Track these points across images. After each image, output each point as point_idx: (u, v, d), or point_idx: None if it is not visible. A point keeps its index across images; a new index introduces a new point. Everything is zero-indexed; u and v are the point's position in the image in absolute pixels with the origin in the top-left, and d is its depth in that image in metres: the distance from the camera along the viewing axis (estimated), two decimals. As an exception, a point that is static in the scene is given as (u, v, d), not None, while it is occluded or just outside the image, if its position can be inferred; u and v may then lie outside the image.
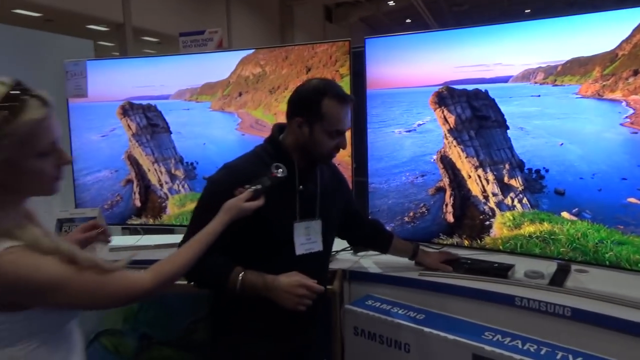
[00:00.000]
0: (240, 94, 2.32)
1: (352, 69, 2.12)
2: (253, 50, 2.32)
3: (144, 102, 2.46)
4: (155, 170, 2.48)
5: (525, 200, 1.84)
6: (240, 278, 1.43)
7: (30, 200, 1.06)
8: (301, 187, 1.48)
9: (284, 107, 2.19)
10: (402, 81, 2.06)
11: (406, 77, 2.04)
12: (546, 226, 1.80)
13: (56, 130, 1.00)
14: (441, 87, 1.96)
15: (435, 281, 1.88)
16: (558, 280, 1.80)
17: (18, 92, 0.95)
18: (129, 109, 2.48)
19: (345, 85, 2.15)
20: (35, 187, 1.01)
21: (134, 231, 2.71)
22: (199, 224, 1.48)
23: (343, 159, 2.19)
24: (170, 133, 2.46)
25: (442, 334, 1.64)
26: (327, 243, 1.63)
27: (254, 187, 1.39)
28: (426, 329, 1.67)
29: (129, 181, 2.53)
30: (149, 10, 13.92)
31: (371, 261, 2.13)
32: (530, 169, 1.82)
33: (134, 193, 2.53)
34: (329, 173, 1.66)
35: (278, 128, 1.57)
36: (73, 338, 1.12)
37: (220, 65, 2.38)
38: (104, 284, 1.01)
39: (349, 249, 2.24)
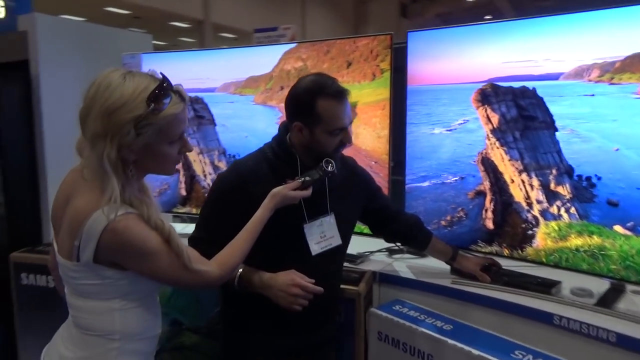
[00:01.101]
0: (282, 88, 2.32)
1: (392, 63, 2.03)
2: (295, 44, 2.31)
3: (192, 95, 2.53)
4: (200, 161, 2.55)
5: (573, 209, 1.67)
6: (238, 274, 1.43)
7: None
8: (306, 178, 1.43)
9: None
10: (444, 77, 1.94)
11: (449, 73, 1.92)
12: (596, 240, 1.63)
13: (185, 122, 1.16)
14: (485, 84, 1.82)
15: (468, 291, 1.76)
16: (608, 300, 1.62)
17: (166, 87, 1.09)
18: (178, 100, 2.56)
19: (385, 80, 2.07)
20: (160, 167, 1.19)
21: (179, 219, 2.80)
22: (205, 218, 1.54)
23: (380, 157, 2.12)
24: (215, 125, 2.51)
25: (466, 347, 1.53)
26: (342, 238, 1.58)
27: (302, 178, 1.41)
28: (450, 341, 1.57)
29: (176, 170, 2.61)
30: (228, 8, 14.45)
31: (405, 265, 2.04)
32: (580, 176, 1.65)
33: (180, 182, 2.61)
34: (341, 166, 1.60)
35: (285, 126, 1.54)
36: (158, 305, 1.30)
37: (264, 59, 2.38)
38: (182, 269, 1.15)
39: (384, 250, 2.17)
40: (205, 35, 14.40)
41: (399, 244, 2.04)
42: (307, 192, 1.43)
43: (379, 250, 2.16)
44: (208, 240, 1.42)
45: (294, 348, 1.57)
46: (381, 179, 2.11)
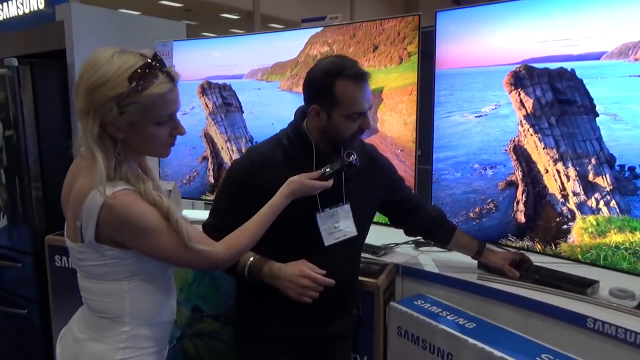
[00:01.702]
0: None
1: (420, 46, 1.93)
2: (321, 28, 2.24)
3: (220, 82, 2.52)
4: (228, 148, 2.54)
5: (613, 203, 1.52)
6: (248, 264, 1.39)
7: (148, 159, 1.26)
8: (326, 169, 1.38)
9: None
10: (474, 60, 1.81)
11: (480, 55, 1.79)
12: (639, 236, 1.47)
13: (175, 104, 1.13)
14: (519, 65, 1.68)
15: (494, 287, 1.65)
16: (651, 304, 1.47)
17: (153, 66, 1.06)
18: (207, 88, 2.56)
19: (412, 64, 1.97)
20: (150, 148, 1.17)
21: (209, 207, 2.81)
22: (217, 205, 1.52)
23: (407, 145, 2.02)
24: (242, 112, 2.49)
25: (488, 348, 1.43)
26: (358, 229, 1.51)
27: (323, 170, 1.37)
28: (471, 340, 1.47)
29: (205, 158, 2.62)
30: (277, -1, 14.50)
31: (430, 258, 1.95)
32: (622, 166, 1.50)
33: (209, 170, 2.62)
34: (360, 154, 1.52)
35: (301, 112, 1.49)
36: (171, 284, 1.30)
37: (290, 45, 2.33)
38: (183, 247, 1.13)
39: (411, 242, 2.07)
40: (255, 26, 14.54)
41: (420, 238, 1.95)
42: (328, 184, 1.38)
43: (405, 243, 2.07)
44: (220, 227, 1.39)
45: (305, 339, 1.53)
46: (407, 167, 2.02)
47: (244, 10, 14.64)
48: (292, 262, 1.39)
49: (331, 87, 1.35)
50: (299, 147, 1.44)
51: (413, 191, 1.80)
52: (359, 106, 1.37)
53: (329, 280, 1.36)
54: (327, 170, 1.37)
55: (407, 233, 1.80)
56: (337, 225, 1.46)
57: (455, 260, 1.89)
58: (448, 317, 1.63)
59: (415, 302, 1.74)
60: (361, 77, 1.36)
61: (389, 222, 1.77)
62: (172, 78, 1.10)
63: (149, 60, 1.07)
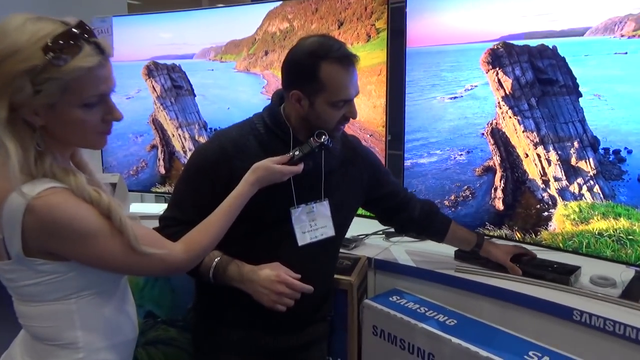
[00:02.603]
0: (266, 53, 2.07)
1: (389, 21, 1.79)
2: (280, 3, 2.05)
3: (169, 62, 2.29)
4: (179, 135, 2.32)
5: (597, 188, 1.45)
6: (214, 264, 1.23)
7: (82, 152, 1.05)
8: (295, 152, 1.23)
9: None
10: (449, 37, 1.69)
11: (454, 32, 1.67)
12: (623, 223, 1.41)
13: (107, 82, 0.93)
14: (497, 42, 1.57)
15: (474, 280, 1.56)
16: (635, 291, 1.41)
17: (77, 35, 0.87)
18: (153, 69, 2.32)
19: (381, 42, 1.83)
20: (77, 138, 0.97)
21: (160, 199, 2.59)
22: (179, 195, 1.33)
23: (376, 129, 1.89)
24: (194, 96, 2.27)
25: (473, 347, 1.33)
26: (337, 228, 1.37)
27: (292, 151, 1.22)
28: (454, 340, 1.37)
29: (154, 146, 2.40)
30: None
31: (403, 249, 1.83)
32: (606, 149, 1.42)
33: (158, 159, 2.39)
34: (342, 146, 1.39)
35: (279, 96, 1.32)
36: (127, 294, 1.12)
37: (246, 21, 2.13)
38: (130, 251, 0.96)
39: (380, 232, 1.95)
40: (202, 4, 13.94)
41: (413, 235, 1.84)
42: (297, 168, 1.22)
43: (375, 233, 1.95)
44: (182, 220, 1.22)
45: (274, 348, 1.38)
46: (377, 153, 1.88)
47: (190, -12, 14.01)
48: (266, 264, 1.24)
49: (316, 71, 1.19)
50: (275, 134, 1.29)
51: (401, 185, 1.66)
52: (346, 92, 1.22)
53: (307, 286, 1.23)
54: (297, 153, 1.22)
55: (399, 231, 1.69)
56: (314, 223, 1.31)
57: (430, 251, 1.79)
58: (427, 314, 1.52)
59: (390, 299, 1.62)
60: (350, 61, 1.22)
61: (366, 213, 1.64)
62: (102, 50, 0.90)
63: (72, 28, 0.87)
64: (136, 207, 2.42)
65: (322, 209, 1.33)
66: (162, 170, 2.39)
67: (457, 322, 1.48)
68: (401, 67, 1.78)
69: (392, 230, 1.94)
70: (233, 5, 2.12)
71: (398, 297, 1.63)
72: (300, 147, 1.23)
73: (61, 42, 0.85)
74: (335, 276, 1.57)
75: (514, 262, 1.54)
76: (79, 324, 0.99)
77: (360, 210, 1.66)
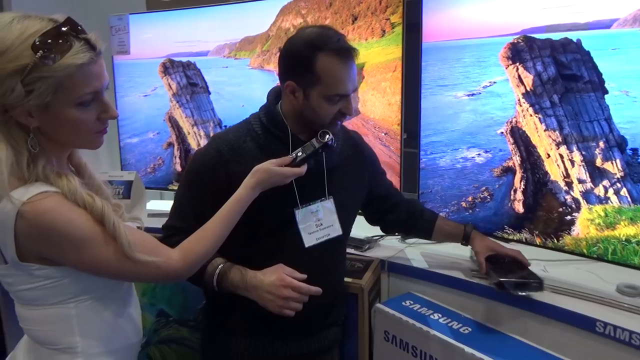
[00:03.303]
0: (280, 50, 2.03)
1: (405, 15, 1.72)
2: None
3: (184, 59, 2.27)
4: (195, 133, 2.31)
5: (624, 191, 1.36)
6: (217, 272, 1.19)
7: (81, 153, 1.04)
8: (298, 153, 1.18)
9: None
10: (466, 31, 1.61)
11: (473, 26, 1.59)
12: (653, 229, 1.31)
13: (99, 79, 0.91)
14: (517, 36, 1.48)
15: (491, 286, 1.48)
16: (665, 302, 1.32)
17: (64, 31, 0.85)
18: (169, 66, 2.31)
19: (396, 37, 1.76)
20: (73, 138, 0.95)
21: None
22: (179, 203, 1.30)
23: (391, 127, 1.82)
24: (209, 93, 2.25)
25: (486, 358, 1.27)
26: (342, 227, 1.33)
27: (295, 152, 1.17)
28: (467, 349, 1.31)
29: (170, 144, 2.39)
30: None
31: (419, 251, 1.77)
32: (635, 150, 1.32)
33: (175, 157, 2.39)
34: (343, 142, 1.35)
35: (275, 94, 1.29)
36: (131, 296, 1.11)
37: (260, 17, 2.09)
38: (124, 258, 0.93)
39: (396, 234, 1.89)
40: None
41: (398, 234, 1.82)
42: (301, 170, 1.18)
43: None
44: (182, 229, 1.18)
45: (285, 355, 1.33)
46: (392, 153, 1.83)
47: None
48: (269, 268, 1.19)
49: (312, 61, 1.15)
50: (272, 134, 1.25)
51: (394, 186, 1.61)
52: (343, 87, 1.17)
53: (315, 288, 1.17)
54: (299, 154, 1.18)
55: (384, 230, 1.65)
56: (320, 223, 1.27)
57: (446, 253, 1.73)
58: (440, 320, 1.46)
59: (403, 303, 1.57)
60: (347, 53, 1.17)
61: (365, 219, 1.60)
62: (92, 46, 0.88)
63: (62, 25, 0.85)
64: (155, 205, 2.43)
65: (328, 207, 1.29)
66: (179, 168, 2.39)
67: (472, 330, 1.42)
68: (417, 63, 1.71)
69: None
70: (247, 1, 2.08)
71: (411, 302, 1.58)
72: (303, 148, 1.18)
73: (50, 40, 0.83)
74: (346, 279, 1.53)
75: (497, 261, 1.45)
76: (77, 329, 0.98)
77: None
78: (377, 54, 1.81)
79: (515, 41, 1.49)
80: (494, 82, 1.56)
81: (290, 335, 1.32)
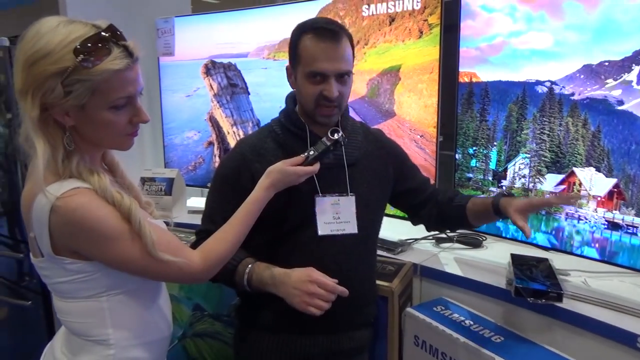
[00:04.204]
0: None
1: (443, 16, 1.69)
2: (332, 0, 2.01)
3: (225, 61, 2.33)
4: (234, 133, 2.36)
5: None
6: (247, 271, 1.22)
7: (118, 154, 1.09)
8: (310, 151, 1.20)
9: (364, 65, 1.89)
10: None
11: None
12: None
13: (134, 85, 0.95)
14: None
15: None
16: None
17: (106, 38, 0.90)
18: (211, 67, 2.37)
19: (434, 38, 1.73)
20: (106, 139, 0.99)
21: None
22: (209, 207, 1.34)
23: (427, 130, 1.80)
24: (249, 94, 2.30)
25: (519, 369, 1.23)
26: (366, 226, 1.32)
27: (307, 152, 1.19)
28: (498, 358, 1.27)
29: (211, 143, 2.45)
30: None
31: (452, 257, 1.74)
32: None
33: (215, 156, 2.44)
34: (363, 139, 1.36)
35: (291, 97, 1.32)
36: (162, 292, 1.14)
37: (299, 19, 2.09)
38: (147, 256, 0.96)
39: (430, 237, 1.87)
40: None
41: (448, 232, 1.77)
42: (313, 169, 1.19)
43: (424, 238, 1.87)
44: (214, 231, 1.21)
45: (314, 353, 1.33)
46: (427, 155, 1.81)
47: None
48: (299, 268, 1.20)
49: (297, 43, 1.20)
50: (291, 132, 1.28)
51: (429, 182, 1.54)
52: (319, 64, 1.17)
53: (341, 287, 1.17)
54: (311, 152, 1.19)
55: (428, 228, 1.56)
56: (337, 216, 1.27)
57: (481, 260, 1.69)
58: (472, 328, 1.43)
59: (434, 308, 1.54)
60: (327, 32, 1.17)
61: (408, 219, 1.57)
62: (130, 53, 0.92)
63: (102, 32, 0.89)
64: (195, 202, 2.50)
65: (348, 203, 1.29)
66: (218, 167, 2.47)
67: (504, 339, 1.37)
68: (454, 65, 1.68)
69: (443, 235, 1.86)
70: (288, 3, 2.10)
71: (443, 308, 1.55)
72: (315, 147, 1.20)
73: (90, 45, 0.87)
74: (377, 281, 1.52)
75: None
76: (110, 322, 1.01)
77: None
78: (414, 55, 1.79)
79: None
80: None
81: (319, 334, 1.32)
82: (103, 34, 0.89)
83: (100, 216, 0.92)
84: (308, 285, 1.15)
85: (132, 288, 1.04)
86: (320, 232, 1.25)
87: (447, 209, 1.43)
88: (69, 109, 0.91)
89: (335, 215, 1.27)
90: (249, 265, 1.23)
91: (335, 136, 1.19)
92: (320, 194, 1.26)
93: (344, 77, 1.20)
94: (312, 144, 1.22)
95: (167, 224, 1.12)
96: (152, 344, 1.09)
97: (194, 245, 1.26)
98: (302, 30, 1.20)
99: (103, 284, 0.99)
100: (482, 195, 1.65)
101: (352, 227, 1.28)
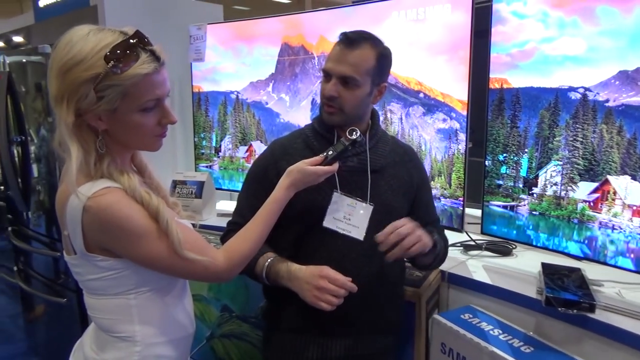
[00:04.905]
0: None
1: (473, 23, 1.68)
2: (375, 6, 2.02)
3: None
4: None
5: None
6: (266, 264, 1.25)
7: (147, 155, 1.13)
8: (329, 151, 1.21)
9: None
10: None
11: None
12: None
13: (162, 88, 0.98)
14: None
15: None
16: None
17: (134, 44, 0.93)
18: (242, 73, 2.44)
19: (464, 44, 1.72)
20: (136, 140, 1.02)
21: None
22: (239, 202, 1.41)
23: (456, 136, 1.79)
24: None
25: (547, 380, 1.21)
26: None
27: (325, 152, 1.21)
28: (526, 369, 1.26)
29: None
30: (328, -20, 14.17)
31: (481, 264, 1.72)
32: None
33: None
34: (391, 149, 1.38)
35: None
36: (186, 291, 1.17)
37: (345, 25, 2.13)
38: (173, 254, 0.99)
39: (459, 245, 1.85)
40: (305, 10, 14.27)
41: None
42: (332, 168, 1.21)
43: (453, 245, 1.85)
44: (242, 224, 1.24)
45: (338, 356, 1.34)
46: (456, 161, 1.79)
47: (295, -7, 14.43)
48: (314, 266, 1.22)
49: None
50: (320, 135, 1.33)
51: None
52: (326, 64, 1.27)
53: (350, 284, 1.18)
54: (330, 152, 1.21)
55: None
56: (348, 218, 1.28)
57: (510, 268, 1.67)
58: (500, 337, 1.41)
59: (462, 316, 1.53)
60: (344, 38, 1.25)
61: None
62: (157, 58, 0.95)
63: (130, 38, 0.93)
64: (224, 205, 2.55)
65: (364, 211, 1.29)
66: (247, 171, 2.52)
67: (534, 349, 1.35)
68: (484, 71, 1.67)
69: (471, 243, 1.84)
70: (334, 7, 2.12)
71: (471, 315, 1.53)
72: (334, 146, 1.22)
73: (120, 51, 0.91)
74: (404, 287, 1.52)
75: None
76: (137, 319, 1.04)
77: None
78: (444, 61, 1.79)
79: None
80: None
81: (342, 336, 1.33)
82: (131, 40, 0.93)
83: (129, 214, 0.96)
84: (319, 280, 1.18)
85: (160, 286, 1.06)
86: (324, 224, 1.27)
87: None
88: (102, 114, 0.95)
89: (347, 216, 1.28)
90: (269, 259, 1.27)
91: (353, 136, 1.21)
92: (339, 191, 1.28)
93: (347, 81, 1.23)
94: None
95: (192, 225, 1.15)
96: (176, 341, 1.12)
97: (224, 235, 1.32)
98: None
99: (132, 282, 1.02)
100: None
101: (358, 233, 1.29)
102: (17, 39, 3.73)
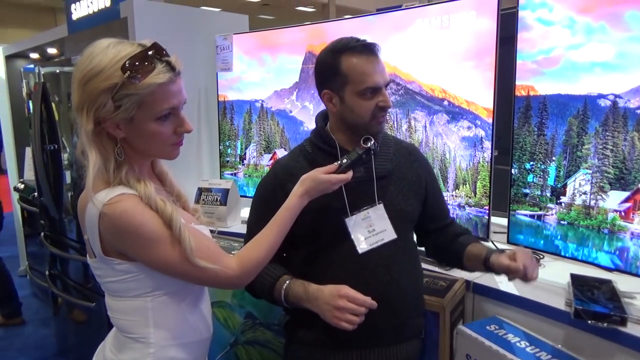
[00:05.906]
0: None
1: (499, 30, 1.66)
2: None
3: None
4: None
5: None
6: (284, 288, 1.25)
7: (170, 164, 1.15)
8: (343, 160, 1.21)
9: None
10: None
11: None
12: None
13: (177, 97, 1.01)
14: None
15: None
16: None
17: (150, 55, 0.97)
18: (266, 82, 2.47)
19: (489, 51, 1.71)
20: (153, 148, 1.05)
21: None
22: (249, 225, 1.39)
23: (481, 144, 1.77)
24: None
25: (576, 394, 1.18)
26: (403, 237, 1.32)
27: (340, 160, 1.21)
28: (554, 383, 1.23)
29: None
30: (352, -11, 14.23)
31: (507, 274, 1.69)
32: None
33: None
34: (395, 151, 1.37)
35: (322, 116, 1.35)
36: (204, 296, 1.18)
37: (366, 34, 2.13)
38: (186, 261, 1.01)
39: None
40: (329, 19, 14.37)
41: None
42: (346, 176, 1.20)
43: (478, 254, 1.82)
44: None
45: None
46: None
47: (319, 3, 14.53)
48: (333, 285, 1.22)
49: (337, 65, 1.20)
50: (322, 150, 1.31)
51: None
52: (370, 79, 1.19)
53: (371, 301, 1.18)
54: (344, 161, 1.20)
55: (428, 254, 1.54)
56: (372, 229, 1.28)
57: (539, 278, 1.61)
58: (527, 349, 1.38)
59: (487, 327, 1.50)
60: (368, 48, 1.20)
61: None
62: (172, 68, 0.99)
63: (146, 48, 0.97)
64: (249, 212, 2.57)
65: (378, 212, 1.29)
66: (271, 178, 2.54)
67: (562, 363, 1.32)
68: (510, 78, 1.65)
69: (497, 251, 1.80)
70: (357, 16, 2.14)
71: (496, 327, 1.50)
72: (348, 155, 1.21)
73: (137, 62, 0.94)
74: (427, 297, 1.51)
75: None
76: (152, 321, 1.07)
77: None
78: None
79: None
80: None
81: (365, 348, 1.32)
82: (148, 51, 0.97)
83: (144, 220, 0.99)
84: (337, 300, 1.17)
85: (175, 290, 1.09)
86: (360, 251, 1.27)
87: (450, 244, 1.44)
88: (120, 122, 0.98)
89: (370, 229, 1.27)
90: (287, 282, 1.26)
91: (368, 144, 1.20)
92: (349, 214, 1.27)
93: (386, 87, 1.25)
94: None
95: (211, 231, 1.17)
96: (190, 345, 1.14)
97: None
98: (339, 52, 1.21)
99: (148, 285, 1.05)
100: (487, 243, 1.62)
101: (390, 234, 1.28)
102: (52, 50, 3.87)
